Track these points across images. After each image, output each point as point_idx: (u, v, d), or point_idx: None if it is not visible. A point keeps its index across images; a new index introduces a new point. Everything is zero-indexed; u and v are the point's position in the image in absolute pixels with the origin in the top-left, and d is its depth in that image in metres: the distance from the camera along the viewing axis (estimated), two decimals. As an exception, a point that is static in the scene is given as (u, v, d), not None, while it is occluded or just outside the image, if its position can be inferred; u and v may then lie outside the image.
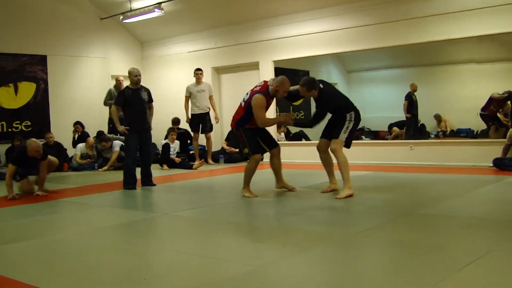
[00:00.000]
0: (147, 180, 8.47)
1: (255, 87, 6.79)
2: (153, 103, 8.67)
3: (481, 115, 10.46)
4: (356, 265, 3.70)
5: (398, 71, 13.23)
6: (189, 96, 11.56)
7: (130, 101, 8.25)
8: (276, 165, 7.05)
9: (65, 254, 4.32)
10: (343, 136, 6.47)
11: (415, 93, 12.15)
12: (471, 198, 6.23)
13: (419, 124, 12.46)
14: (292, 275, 3.47)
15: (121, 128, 8.26)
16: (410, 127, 12.18)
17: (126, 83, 12.53)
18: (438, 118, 12.58)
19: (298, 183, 7.63)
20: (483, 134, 10.98)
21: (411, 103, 12.13)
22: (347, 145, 6.60)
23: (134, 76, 8.31)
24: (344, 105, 6.63)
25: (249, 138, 6.76)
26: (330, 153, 6.74)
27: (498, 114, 10.31)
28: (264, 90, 6.61)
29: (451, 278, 3.18)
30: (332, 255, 3.97)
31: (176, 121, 12.50)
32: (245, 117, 6.68)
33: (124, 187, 8.22)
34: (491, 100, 10.21)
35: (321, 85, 6.58)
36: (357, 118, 6.60)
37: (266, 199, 6.66)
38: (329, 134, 6.69)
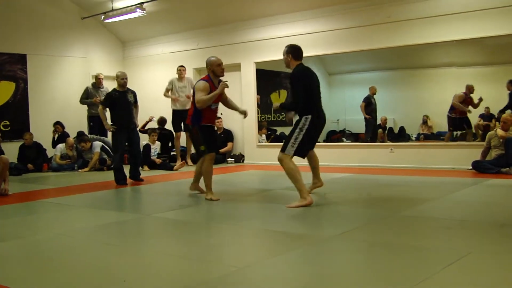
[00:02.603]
0: (137, 176, 9.04)
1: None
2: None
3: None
4: (336, 266, 3.71)
5: (379, 73, 13.30)
6: (170, 88, 11.50)
7: (117, 103, 8.74)
8: (200, 170, 7.08)
9: (43, 256, 4.27)
10: (290, 149, 5.94)
11: (374, 96, 12.23)
12: (450, 200, 6.28)
13: (385, 127, 12.64)
14: (273, 277, 3.46)
15: (108, 126, 8.75)
16: (369, 128, 12.28)
17: (106, 81, 12.56)
18: (426, 118, 12.68)
19: (278, 185, 7.64)
20: (463, 137, 11.10)
21: (369, 106, 12.23)
22: (300, 154, 6.09)
23: (121, 79, 8.84)
24: (302, 104, 5.99)
25: (206, 136, 6.74)
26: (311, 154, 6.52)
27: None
28: (205, 78, 6.79)
29: (431, 279, 3.20)
30: (312, 256, 3.98)
31: (162, 121, 12.45)
32: (197, 111, 6.66)
33: (117, 183, 8.69)
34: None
35: (300, 64, 6.18)
36: (313, 125, 5.99)
37: (247, 200, 6.66)
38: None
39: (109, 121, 8.89)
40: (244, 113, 7.10)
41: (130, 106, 8.86)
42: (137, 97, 9.16)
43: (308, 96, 6.00)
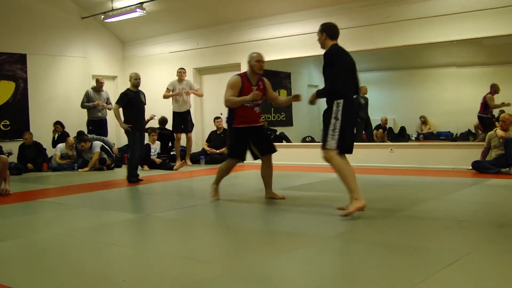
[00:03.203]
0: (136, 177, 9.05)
1: None
2: None
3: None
4: (335, 266, 3.72)
5: (379, 74, 13.30)
6: (171, 89, 11.51)
7: (132, 103, 8.92)
8: (264, 173, 6.44)
9: (43, 255, 4.27)
10: (331, 142, 5.17)
11: (367, 96, 12.22)
12: (450, 200, 6.28)
13: (387, 127, 12.63)
14: (272, 277, 3.46)
15: (124, 125, 8.86)
16: (361, 132, 12.28)
17: (105, 81, 12.57)
18: (423, 119, 12.69)
19: (278, 185, 7.63)
20: (463, 137, 11.10)
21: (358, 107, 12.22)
22: (346, 149, 5.30)
23: (134, 79, 9.06)
24: (337, 84, 5.23)
25: (235, 140, 6.28)
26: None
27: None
28: (241, 73, 6.35)
29: (430, 279, 3.20)
30: (312, 256, 3.97)
31: (163, 121, 12.45)
32: (230, 110, 6.32)
33: (129, 181, 8.85)
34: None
35: (336, 44, 5.45)
36: (348, 110, 5.19)
37: (247, 200, 6.66)
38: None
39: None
40: (297, 98, 6.20)
41: (143, 107, 9.14)
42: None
43: (347, 79, 5.30)
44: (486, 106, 10.31)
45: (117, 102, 9.12)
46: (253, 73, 6.21)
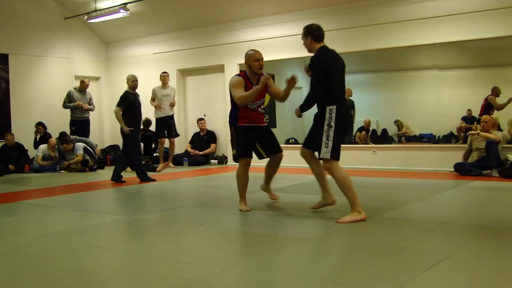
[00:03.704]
0: (121, 177, 9.20)
1: None
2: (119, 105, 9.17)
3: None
4: (318, 268, 3.72)
5: (363, 76, 13.37)
6: (153, 98, 11.35)
7: (132, 105, 9.06)
8: (269, 170, 6.21)
9: (23, 258, 4.22)
10: (325, 151, 5.08)
11: (351, 98, 12.29)
12: (432, 202, 6.33)
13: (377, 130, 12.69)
14: (255, 278, 3.46)
15: (126, 129, 8.92)
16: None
17: (90, 85, 12.52)
18: (398, 124, 12.78)
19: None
20: (445, 139, 11.18)
21: None
22: (337, 155, 5.17)
23: (132, 81, 9.14)
24: (332, 88, 5.11)
25: (239, 138, 5.98)
26: (313, 162, 5.54)
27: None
28: (240, 73, 6.04)
29: (413, 281, 3.21)
30: (295, 259, 3.97)
31: (146, 122, 12.38)
32: (233, 109, 6.02)
33: (142, 180, 9.09)
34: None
35: (323, 46, 5.27)
36: (341, 116, 5.09)
37: (232, 202, 6.64)
38: (310, 141, 5.44)
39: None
40: (293, 80, 5.60)
41: (140, 108, 9.35)
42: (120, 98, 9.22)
43: (331, 83, 5.09)
44: (487, 108, 10.32)
45: (118, 105, 9.08)
46: (252, 73, 5.91)
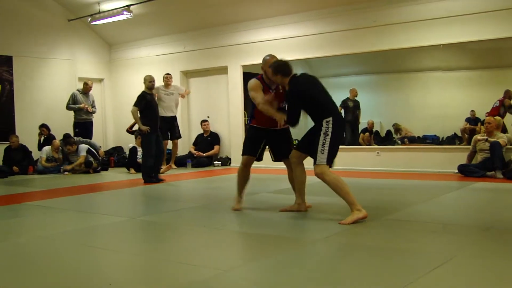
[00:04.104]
0: (157, 176, 9.34)
1: None
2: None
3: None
4: (321, 270, 3.71)
5: (366, 77, 13.36)
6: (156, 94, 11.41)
7: (150, 105, 9.19)
8: (291, 177, 6.04)
9: (26, 259, 4.23)
10: (321, 157, 5.24)
11: (356, 99, 12.29)
12: (436, 204, 6.31)
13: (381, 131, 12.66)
14: (257, 280, 3.46)
15: (144, 128, 9.03)
16: (347, 135, 12.31)
17: (94, 87, 12.55)
18: (397, 127, 12.76)
19: (264, 188, 7.63)
20: (449, 140, 11.15)
21: (345, 110, 12.29)
22: (331, 161, 5.33)
23: (149, 82, 9.26)
24: (320, 105, 5.39)
25: (247, 136, 6.14)
26: (299, 167, 5.73)
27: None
28: (258, 76, 5.96)
29: (416, 283, 3.21)
30: (298, 260, 3.97)
31: None
32: (251, 108, 6.04)
33: (145, 182, 9.09)
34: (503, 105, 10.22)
35: (293, 77, 5.50)
36: (337, 126, 5.32)
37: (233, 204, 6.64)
38: (304, 146, 5.63)
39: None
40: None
41: (157, 108, 9.49)
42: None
43: (317, 102, 5.39)
44: (501, 110, 10.25)
45: (135, 105, 9.20)
46: (268, 78, 5.84)
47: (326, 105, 5.41)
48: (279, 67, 5.51)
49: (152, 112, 9.23)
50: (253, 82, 5.87)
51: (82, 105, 11.91)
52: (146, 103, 9.13)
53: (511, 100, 10.36)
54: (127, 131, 12.49)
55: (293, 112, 5.43)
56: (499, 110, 10.21)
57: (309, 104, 5.39)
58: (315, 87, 5.54)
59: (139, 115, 9.18)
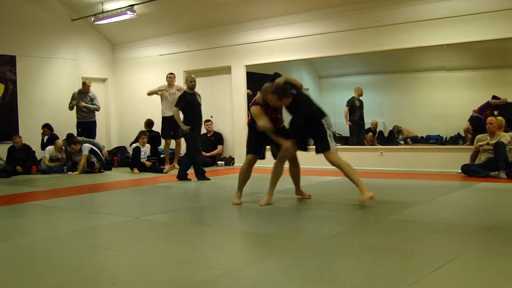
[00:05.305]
0: (184, 176, 9.48)
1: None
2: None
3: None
4: (325, 269, 3.71)
5: (369, 77, 13.35)
6: (159, 90, 11.44)
7: (190, 105, 9.19)
8: (292, 173, 6.64)
9: (30, 259, 4.24)
10: (332, 145, 6.04)
11: (361, 98, 12.27)
12: (439, 204, 6.31)
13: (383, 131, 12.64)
14: (262, 280, 3.46)
15: (185, 127, 9.07)
16: (353, 135, 12.32)
17: (94, 83, 12.56)
18: (397, 129, 12.74)
19: (265, 188, 7.63)
20: (452, 140, 11.13)
21: (352, 110, 12.27)
22: (303, 148, 6.23)
23: (190, 82, 9.29)
24: (318, 111, 6.14)
25: (249, 136, 6.58)
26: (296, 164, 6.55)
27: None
28: (256, 102, 6.35)
29: (419, 282, 3.21)
30: (302, 260, 3.96)
31: (149, 123, 12.42)
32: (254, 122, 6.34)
33: (200, 179, 9.30)
34: (488, 105, 10.17)
35: (293, 91, 6.11)
36: (331, 122, 6.23)
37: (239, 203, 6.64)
38: (305, 145, 6.28)
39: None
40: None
41: (200, 108, 9.45)
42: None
43: (313, 107, 6.17)
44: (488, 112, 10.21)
45: (176, 105, 9.30)
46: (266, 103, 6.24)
47: (321, 109, 6.21)
48: (278, 91, 6.02)
49: (193, 112, 9.24)
50: (254, 109, 6.27)
51: (73, 102, 11.98)
52: (186, 102, 9.14)
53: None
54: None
55: (298, 121, 6.13)
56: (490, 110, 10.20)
57: (310, 113, 6.12)
58: (304, 95, 6.40)
59: (179, 115, 9.21)
